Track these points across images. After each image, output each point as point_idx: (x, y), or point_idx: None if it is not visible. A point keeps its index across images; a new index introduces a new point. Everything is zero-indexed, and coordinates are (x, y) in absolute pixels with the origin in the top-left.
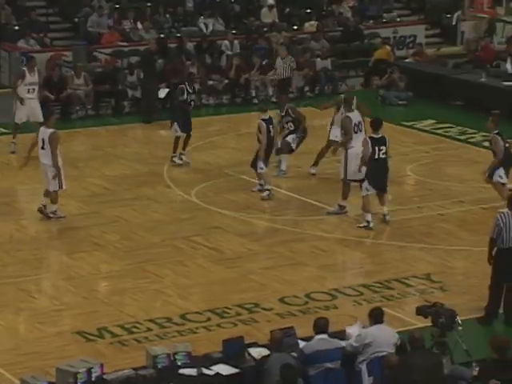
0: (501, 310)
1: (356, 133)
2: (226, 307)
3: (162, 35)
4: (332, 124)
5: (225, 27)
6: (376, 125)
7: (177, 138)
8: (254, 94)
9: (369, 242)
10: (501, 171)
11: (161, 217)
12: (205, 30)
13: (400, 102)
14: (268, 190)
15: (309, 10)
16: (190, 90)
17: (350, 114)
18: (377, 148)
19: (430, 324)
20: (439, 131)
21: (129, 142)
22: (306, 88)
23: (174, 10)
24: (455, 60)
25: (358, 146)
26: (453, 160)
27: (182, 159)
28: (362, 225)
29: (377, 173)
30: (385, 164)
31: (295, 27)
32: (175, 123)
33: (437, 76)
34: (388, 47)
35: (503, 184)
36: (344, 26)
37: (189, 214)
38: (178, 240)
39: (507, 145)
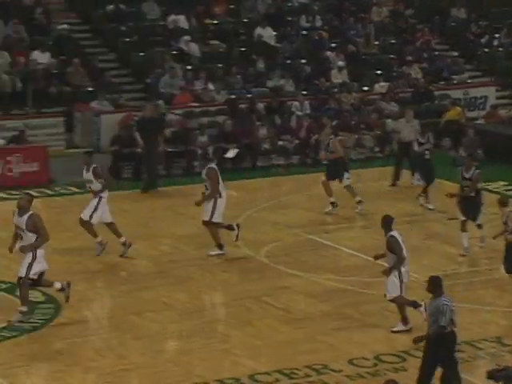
0: None
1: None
2: (294, 368)
3: (232, 96)
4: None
5: (295, 88)
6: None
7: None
8: None
9: None
10: None
11: (230, 276)
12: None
13: None
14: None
15: (379, 72)
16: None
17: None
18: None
19: None
20: (510, 193)
21: None
22: (377, 149)
23: (245, 70)
24: None
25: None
26: None
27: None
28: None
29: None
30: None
31: (365, 88)
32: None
33: (509, 137)
34: (459, 108)
35: None
36: (414, 87)
37: (258, 274)
38: (246, 300)
39: None
